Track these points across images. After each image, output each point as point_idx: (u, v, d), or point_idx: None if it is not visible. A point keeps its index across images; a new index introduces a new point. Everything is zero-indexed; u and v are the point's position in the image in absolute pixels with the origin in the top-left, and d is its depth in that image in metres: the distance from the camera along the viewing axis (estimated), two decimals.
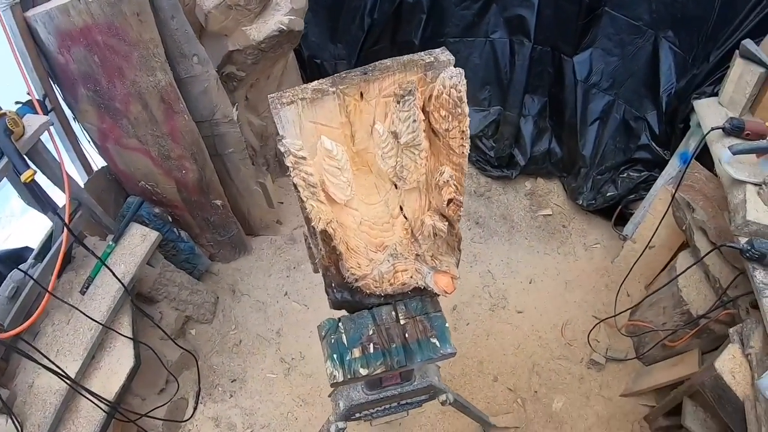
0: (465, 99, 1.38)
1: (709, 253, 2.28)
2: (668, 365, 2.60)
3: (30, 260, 2.25)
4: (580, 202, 3.36)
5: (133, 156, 2.59)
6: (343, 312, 1.78)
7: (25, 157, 2.02)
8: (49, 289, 2.03)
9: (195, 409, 2.76)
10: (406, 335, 1.65)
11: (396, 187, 1.59)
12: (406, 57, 1.40)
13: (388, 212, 1.60)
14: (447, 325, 1.68)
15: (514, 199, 3.68)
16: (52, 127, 2.23)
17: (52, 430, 2.07)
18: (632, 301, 2.97)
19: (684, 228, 2.58)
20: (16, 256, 2.33)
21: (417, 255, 1.66)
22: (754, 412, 1.75)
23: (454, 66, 1.37)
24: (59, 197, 2.25)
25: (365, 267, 1.66)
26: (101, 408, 2.11)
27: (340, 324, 1.69)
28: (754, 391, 1.78)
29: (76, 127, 2.57)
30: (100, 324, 2.21)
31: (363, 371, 1.59)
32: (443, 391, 2.08)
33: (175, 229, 2.90)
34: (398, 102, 1.37)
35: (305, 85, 1.37)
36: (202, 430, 2.72)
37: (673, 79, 2.78)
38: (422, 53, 1.40)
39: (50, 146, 2.24)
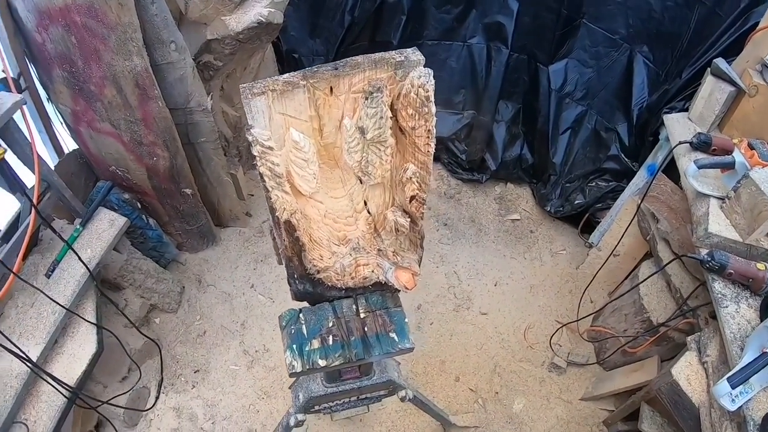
0: (432, 99, 1.42)
1: (670, 262, 2.36)
2: (628, 371, 2.68)
3: None
4: (549, 209, 3.43)
5: (105, 140, 2.57)
6: (305, 304, 1.80)
7: None
8: (15, 270, 2.01)
9: (157, 398, 2.74)
10: (366, 329, 1.68)
11: (361, 182, 1.62)
12: (377, 55, 1.42)
13: (352, 206, 1.63)
14: (406, 320, 1.71)
15: (483, 203, 3.74)
16: (25, 107, 2.20)
17: (12, 414, 2.03)
18: (595, 307, 3.05)
19: (648, 238, 2.66)
20: None
21: (379, 250, 1.69)
22: (709, 419, 1.81)
23: (426, 67, 1.40)
24: (28, 178, 2.23)
25: (327, 259, 1.68)
26: (62, 393, 2.09)
27: (300, 315, 1.72)
28: (710, 398, 1.85)
29: (49, 108, 2.54)
30: (64, 308, 2.18)
31: (321, 362, 1.61)
32: (402, 387, 2.10)
33: (143, 216, 2.87)
34: (366, 98, 1.40)
35: (277, 77, 1.39)
36: (163, 419, 2.70)
37: (645, 93, 2.87)
38: (393, 52, 1.43)
39: (22, 126, 2.22)
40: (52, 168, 2.51)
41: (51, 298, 2.08)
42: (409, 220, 1.60)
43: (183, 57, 2.46)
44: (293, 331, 1.67)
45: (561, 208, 3.37)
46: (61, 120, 2.57)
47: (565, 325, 3.03)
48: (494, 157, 3.58)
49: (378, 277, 1.71)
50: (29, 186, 2.18)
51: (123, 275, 2.71)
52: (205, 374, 2.88)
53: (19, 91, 2.18)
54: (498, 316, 3.21)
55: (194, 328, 3.06)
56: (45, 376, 2.01)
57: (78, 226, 2.41)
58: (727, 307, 1.85)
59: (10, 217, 2.25)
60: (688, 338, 2.09)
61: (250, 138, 1.40)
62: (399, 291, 1.75)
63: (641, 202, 2.53)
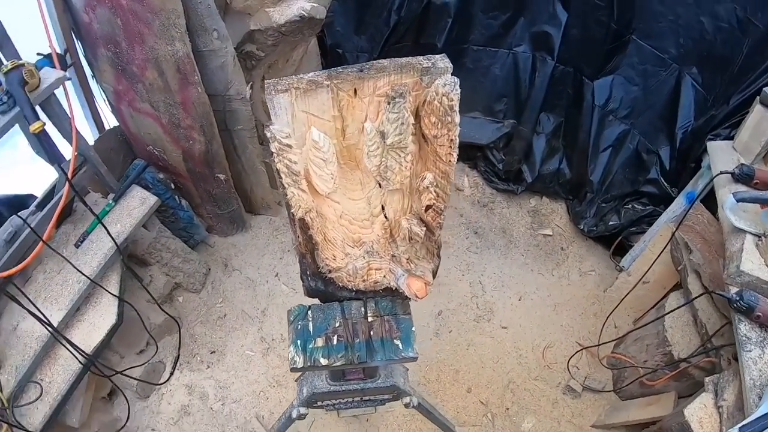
0: (456, 109, 1.39)
1: (698, 297, 2.25)
2: (643, 404, 2.58)
3: (31, 208, 2.33)
4: (582, 227, 3.33)
5: (144, 120, 2.65)
6: (316, 301, 1.81)
7: (39, 108, 2.09)
8: (44, 238, 2.09)
9: (171, 374, 2.82)
10: (371, 332, 1.67)
11: (380, 186, 1.60)
12: (404, 59, 1.40)
13: (369, 210, 1.61)
14: (413, 329, 1.69)
15: (516, 215, 3.67)
16: (68, 83, 2.29)
17: (29, 373, 2.14)
18: (618, 333, 2.94)
19: (679, 268, 2.55)
20: (19, 202, 2.40)
21: (393, 256, 1.67)
22: None
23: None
24: (67, 151, 2.32)
25: (340, 260, 1.68)
26: (78, 359, 2.17)
27: (309, 312, 1.72)
28: None
29: (93, 85, 2.63)
30: (89, 278, 2.26)
31: (323, 361, 1.61)
32: (408, 394, 2.09)
33: (176, 197, 2.95)
34: (388, 103, 1.38)
35: (301, 75, 1.39)
36: (175, 395, 2.78)
37: (691, 117, 2.74)
38: (421, 57, 1.41)
39: (64, 101, 2.30)
40: (92, 143, 2.62)
41: (77, 268, 2.16)
42: (424, 229, 1.58)
43: (225, 45, 2.50)
44: (299, 327, 1.68)
45: (594, 228, 3.26)
46: (104, 98, 2.66)
47: (585, 348, 2.94)
48: (531, 169, 3.49)
49: (389, 283, 1.69)
50: (67, 159, 2.26)
51: (151, 252, 2.79)
52: (220, 356, 2.94)
53: (64, 67, 2.26)
54: (518, 332, 3.14)
55: (215, 310, 3.13)
56: (63, 341, 2.09)
57: (110, 201, 2.50)
58: (750, 351, 1.75)
59: (47, 187, 2.35)
60: (707, 379, 1.99)
61: (268, 134, 1.41)
62: (409, 299, 1.73)
63: (675, 230, 2.42)
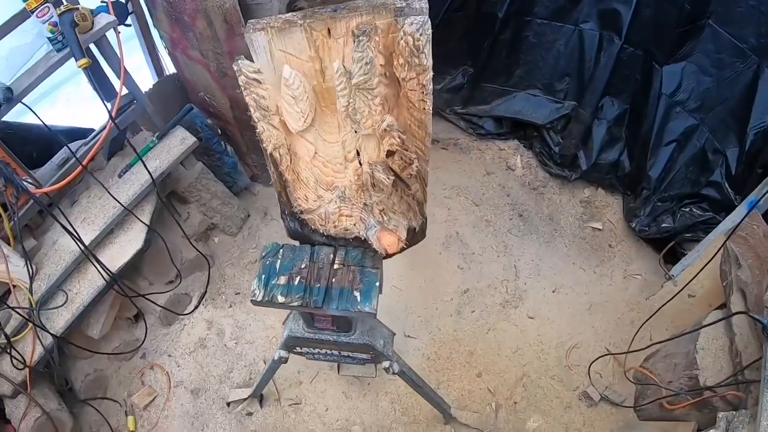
0: (425, 51, 1.33)
1: (728, 317, 1.97)
2: (660, 429, 2.34)
3: (87, 139, 2.58)
4: (634, 225, 3.03)
5: (195, 67, 2.82)
6: (296, 243, 1.83)
7: (91, 47, 2.31)
8: (84, 164, 2.30)
9: (196, 308, 3.01)
10: (333, 280, 1.67)
11: (356, 132, 1.58)
12: (379, 0, 1.38)
13: (343, 153, 1.59)
14: (377, 284, 1.66)
15: (567, 203, 3.42)
16: (129, 29, 2.48)
17: (59, 282, 2.39)
18: (653, 346, 2.66)
19: (725, 284, 2.24)
20: (80, 134, 2.67)
21: (365, 204, 1.64)
22: None
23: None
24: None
25: (312, 202, 1.69)
26: (103, 276, 2.39)
27: (281, 251, 1.75)
28: None
29: (155, 33, 2.84)
30: (122, 205, 2.47)
31: (281, 299, 1.64)
32: (387, 358, 2.06)
33: (222, 142, 3.10)
34: (354, 42, 1.35)
35: (279, 15, 1.42)
36: (195, 327, 2.97)
37: (766, 118, 2.37)
38: None
39: (132, 46, 2.48)
40: (151, 85, 2.84)
41: (111, 194, 2.36)
42: (392, 178, 1.53)
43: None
44: (268, 263, 1.72)
45: (646, 228, 2.95)
46: (164, 45, 2.86)
47: (613, 354, 2.69)
48: (588, 156, 3.23)
49: (359, 232, 1.67)
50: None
51: (191, 191, 2.97)
52: (244, 298, 3.08)
53: (125, 15, 2.44)
54: (545, 324, 2.96)
55: (248, 254, 3.27)
56: (91, 258, 2.31)
57: (154, 139, 2.69)
58: None
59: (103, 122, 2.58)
60: (719, 414, 1.75)
61: (235, 67, 1.44)
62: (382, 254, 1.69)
63: (726, 239, 2.13)
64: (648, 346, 2.43)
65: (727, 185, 2.55)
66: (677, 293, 2.45)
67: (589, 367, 2.67)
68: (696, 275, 2.37)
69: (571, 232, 3.31)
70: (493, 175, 3.61)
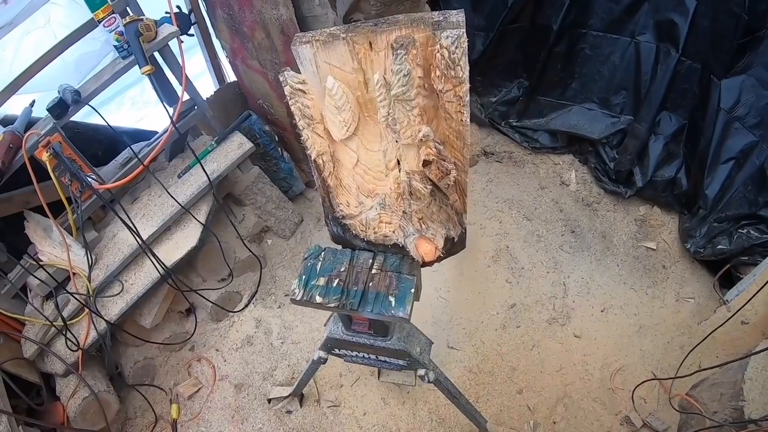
0: (461, 64, 1.35)
1: None
2: None
3: (149, 141, 2.77)
4: (688, 246, 2.89)
5: (254, 76, 2.96)
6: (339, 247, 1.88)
7: (155, 54, 2.47)
8: (146, 164, 2.47)
9: (246, 306, 3.14)
10: (370, 284, 1.71)
11: (397, 141, 1.62)
12: (418, 14, 1.42)
13: (384, 162, 1.64)
14: (413, 290, 1.68)
15: (621, 220, 3.31)
16: (192, 39, 2.64)
17: (117, 272, 2.57)
18: (701, 374, 2.52)
19: None
20: (143, 135, 2.87)
21: (404, 212, 1.67)
22: None
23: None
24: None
25: (354, 207, 1.74)
26: (158, 269, 2.55)
27: (322, 253, 1.82)
28: None
29: (216, 43, 3.01)
30: (180, 204, 2.63)
31: (319, 299, 1.69)
32: (423, 365, 2.07)
33: (279, 148, 3.23)
34: (393, 54, 1.40)
35: (324, 29, 1.49)
36: (244, 325, 3.09)
37: None
38: (435, 12, 1.41)
39: (194, 54, 2.65)
40: (212, 92, 3.00)
41: (169, 193, 2.52)
42: (430, 187, 1.56)
43: (326, 12, 2.67)
44: (309, 265, 1.78)
45: (702, 250, 2.81)
46: (224, 54, 3.02)
47: (659, 379, 2.57)
48: (644, 172, 3.12)
49: (398, 239, 1.70)
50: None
51: (247, 194, 3.11)
52: None
53: (185, 25, 2.59)
54: (591, 345, 2.87)
55: (299, 258, 3.37)
56: (148, 252, 2.47)
57: (212, 143, 2.85)
58: None
59: (165, 125, 2.76)
60: None
61: (281, 78, 1.52)
62: (419, 262, 1.71)
63: None
64: (695, 372, 2.32)
65: None
66: (728, 319, 2.34)
67: (633, 391, 2.57)
68: (749, 300, 2.25)
69: (624, 251, 3.19)
70: (547, 189, 3.55)
